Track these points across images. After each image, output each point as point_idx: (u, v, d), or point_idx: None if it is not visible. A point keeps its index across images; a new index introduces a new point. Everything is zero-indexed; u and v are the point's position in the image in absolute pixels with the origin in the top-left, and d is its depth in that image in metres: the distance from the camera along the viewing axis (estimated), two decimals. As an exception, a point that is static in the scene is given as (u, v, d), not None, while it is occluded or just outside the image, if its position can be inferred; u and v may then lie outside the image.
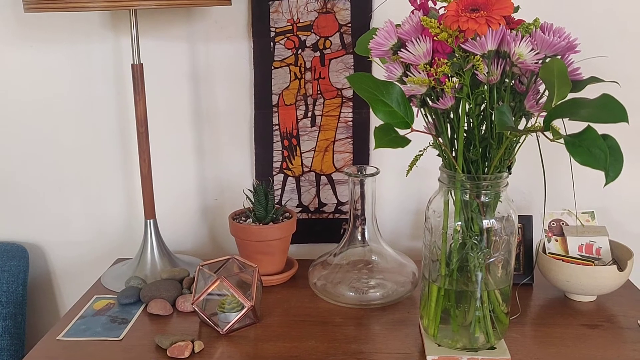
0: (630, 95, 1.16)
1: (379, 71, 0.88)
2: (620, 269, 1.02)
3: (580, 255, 1.08)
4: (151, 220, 1.17)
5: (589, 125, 0.66)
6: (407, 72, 0.82)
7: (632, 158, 1.20)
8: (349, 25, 1.20)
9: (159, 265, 1.16)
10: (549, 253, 1.08)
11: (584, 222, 1.11)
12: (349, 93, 1.24)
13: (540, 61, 0.76)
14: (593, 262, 1.05)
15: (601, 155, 0.63)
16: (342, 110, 1.25)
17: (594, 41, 1.16)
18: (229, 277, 0.97)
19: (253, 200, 1.13)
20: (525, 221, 1.12)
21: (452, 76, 0.78)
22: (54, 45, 1.24)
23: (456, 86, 0.79)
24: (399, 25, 0.84)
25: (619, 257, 1.06)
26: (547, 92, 0.75)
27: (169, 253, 1.20)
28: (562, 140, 0.69)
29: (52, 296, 1.38)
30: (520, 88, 0.81)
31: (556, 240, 1.10)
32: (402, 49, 0.80)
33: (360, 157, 1.27)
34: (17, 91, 1.27)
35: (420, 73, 0.79)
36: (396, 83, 0.81)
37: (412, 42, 0.79)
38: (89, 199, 1.32)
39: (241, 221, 1.13)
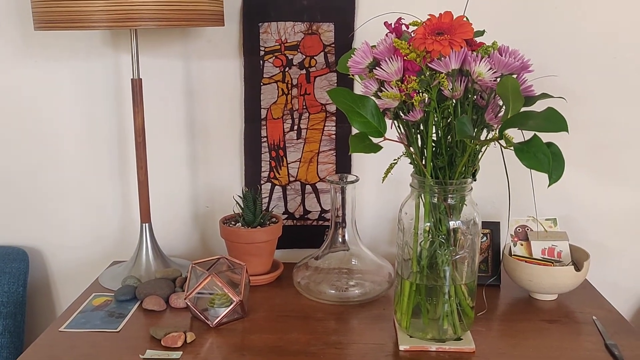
0: (594, 110, 1.27)
1: (359, 88, 0.97)
2: (578, 269, 1.11)
3: (542, 258, 1.17)
4: (146, 224, 1.25)
5: (535, 134, 0.75)
6: (382, 87, 0.91)
7: (592, 170, 1.32)
8: (333, 45, 1.31)
9: (154, 266, 1.24)
10: (514, 255, 1.17)
11: (547, 228, 1.20)
12: (332, 108, 1.33)
13: (498, 79, 0.86)
14: (553, 264, 1.14)
15: (545, 160, 0.73)
16: (325, 124, 1.34)
17: (553, 62, 1.27)
18: (219, 272, 1.05)
19: (242, 205, 1.22)
20: (493, 227, 1.22)
21: (420, 92, 0.88)
22: (57, 61, 1.33)
23: (425, 101, 0.89)
24: (374, 46, 0.94)
25: (578, 260, 1.16)
26: (504, 106, 0.85)
27: (163, 255, 1.27)
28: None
29: (50, 297, 1.45)
30: (481, 103, 0.91)
31: (521, 245, 1.20)
32: (377, 67, 0.90)
33: (342, 167, 1.36)
34: (21, 102, 1.35)
35: (392, 88, 0.89)
36: (371, 97, 0.91)
37: (385, 61, 0.89)
38: (87, 205, 1.40)
39: (231, 225, 1.22)
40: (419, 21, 0.95)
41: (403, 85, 0.88)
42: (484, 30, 0.99)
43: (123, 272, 1.23)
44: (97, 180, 1.39)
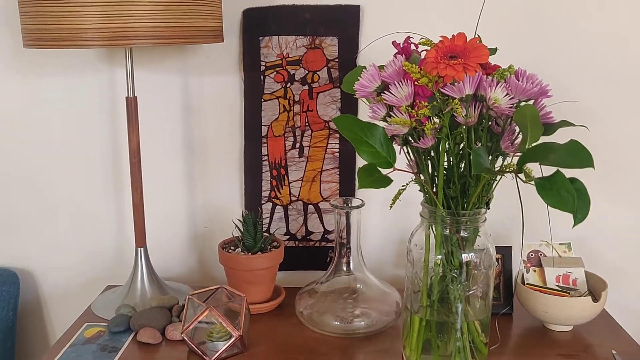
0: (607, 132, 1.22)
1: (364, 105, 0.92)
2: (595, 299, 1.06)
3: (557, 286, 1.12)
4: (142, 249, 1.20)
5: (558, 169, 0.70)
6: (390, 112, 0.86)
7: (608, 191, 1.26)
8: (336, 60, 1.25)
9: (149, 293, 1.18)
10: (527, 284, 1.12)
11: (561, 253, 1.15)
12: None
13: (515, 105, 0.81)
14: (569, 293, 1.09)
15: (569, 198, 0.67)
16: (329, 142, 1.29)
17: (567, 79, 1.22)
18: (217, 307, 0.99)
19: (242, 230, 1.16)
20: (505, 252, 1.16)
21: (432, 118, 0.83)
22: (50, 76, 1.28)
23: (436, 127, 0.83)
24: (382, 67, 0.89)
25: (594, 288, 1.11)
26: (521, 134, 0.79)
27: (159, 281, 1.22)
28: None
29: (42, 322, 1.40)
30: (497, 129, 0.85)
31: (534, 271, 1.14)
32: (385, 91, 0.85)
33: (347, 186, 1.30)
34: (12, 120, 1.30)
35: (402, 114, 0.83)
36: (379, 124, 0.86)
37: (394, 85, 0.84)
38: (80, 226, 1.35)
39: (230, 250, 1.17)
40: (429, 40, 0.90)
41: (413, 110, 0.82)
42: (496, 48, 0.93)
43: (117, 299, 1.18)
44: (91, 200, 1.33)
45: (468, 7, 1.20)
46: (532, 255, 1.15)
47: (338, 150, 1.29)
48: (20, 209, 1.34)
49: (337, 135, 1.28)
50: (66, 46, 0.96)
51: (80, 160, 1.32)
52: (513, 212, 1.24)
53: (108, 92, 1.28)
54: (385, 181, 0.79)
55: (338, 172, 1.30)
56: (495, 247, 1.10)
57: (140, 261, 1.20)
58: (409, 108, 0.83)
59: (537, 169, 0.79)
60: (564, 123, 0.81)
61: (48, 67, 1.27)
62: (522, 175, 0.76)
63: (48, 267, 1.37)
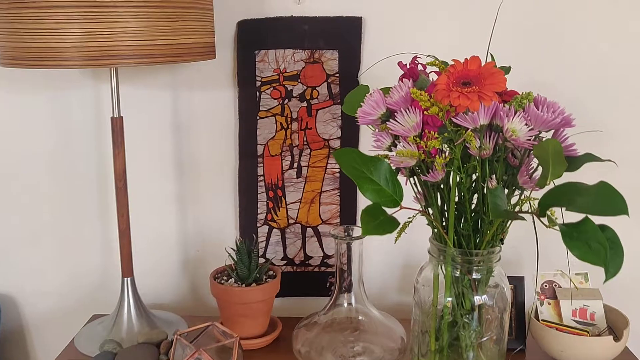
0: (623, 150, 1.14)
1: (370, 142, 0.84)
2: (616, 337, 0.98)
3: (574, 321, 1.04)
4: (128, 279, 1.12)
5: (587, 216, 0.62)
6: (396, 142, 0.78)
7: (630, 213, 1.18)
8: (337, 75, 1.18)
9: (136, 326, 1.10)
10: (542, 320, 1.04)
11: (578, 284, 1.07)
12: (336, 144, 1.20)
13: (534, 138, 0.73)
14: (588, 331, 1.01)
15: (601, 250, 0.59)
16: (329, 162, 1.21)
17: (582, 95, 1.15)
18: (208, 348, 0.92)
19: (235, 258, 1.08)
20: (517, 282, 1.08)
21: (443, 150, 0.75)
22: (30, 93, 1.20)
23: (447, 159, 0.76)
24: (387, 89, 0.81)
25: (614, 323, 1.03)
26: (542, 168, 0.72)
27: (147, 312, 1.14)
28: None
29: (25, 350, 1.32)
30: (513, 162, 0.77)
31: (549, 304, 1.06)
32: (391, 120, 0.77)
33: (347, 209, 1.23)
34: (-8, 139, 1.23)
35: (410, 145, 0.76)
36: (385, 157, 0.78)
37: (401, 112, 0.76)
38: (65, 251, 1.27)
39: (222, 281, 1.09)
40: (437, 60, 0.83)
41: (422, 142, 0.74)
42: (509, 67, 0.86)
43: (102, 333, 1.10)
44: (75, 225, 1.26)
45: (472, 17, 1.13)
46: (546, 286, 1.08)
47: (338, 170, 1.21)
48: (2, 232, 1.27)
49: (338, 155, 1.20)
50: (45, 66, 0.89)
51: (64, 182, 1.24)
52: (524, 236, 1.17)
53: (93, 110, 1.21)
54: (392, 225, 0.71)
55: (338, 194, 1.22)
56: (507, 277, 1.02)
57: (126, 292, 1.12)
58: (417, 139, 0.75)
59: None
60: (589, 157, 0.73)
61: (29, 83, 1.19)
62: (544, 220, 0.68)
63: (31, 293, 1.29)
